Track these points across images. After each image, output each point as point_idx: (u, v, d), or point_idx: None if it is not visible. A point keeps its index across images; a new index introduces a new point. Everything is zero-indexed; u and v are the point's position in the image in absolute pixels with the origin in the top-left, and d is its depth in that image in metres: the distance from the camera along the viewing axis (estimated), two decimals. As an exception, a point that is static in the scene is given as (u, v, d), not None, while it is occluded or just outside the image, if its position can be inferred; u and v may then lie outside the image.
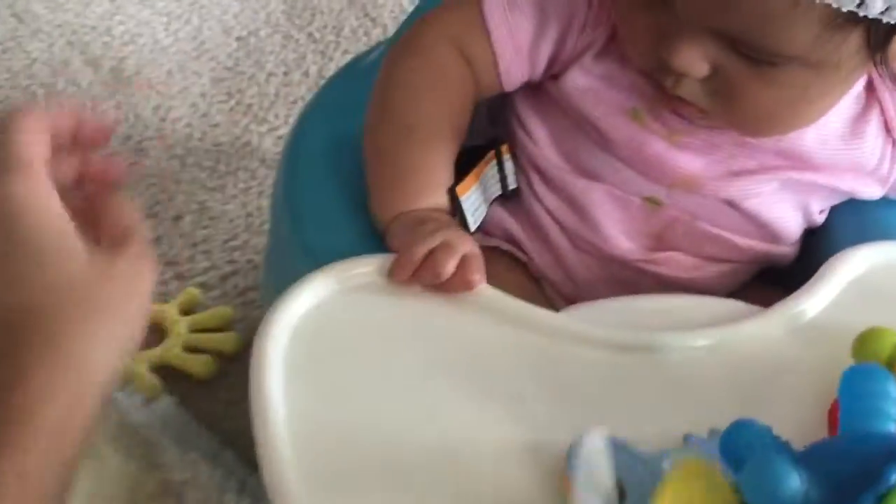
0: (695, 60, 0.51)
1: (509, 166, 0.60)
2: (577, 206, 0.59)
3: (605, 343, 0.50)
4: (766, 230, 0.60)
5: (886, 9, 0.47)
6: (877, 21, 0.47)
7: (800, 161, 0.57)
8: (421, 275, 0.51)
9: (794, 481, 0.35)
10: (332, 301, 0.51)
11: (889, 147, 0.59)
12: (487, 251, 0.55)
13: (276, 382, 0.46)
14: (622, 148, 0.58)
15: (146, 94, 1.05)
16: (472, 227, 0.58)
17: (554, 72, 0.59)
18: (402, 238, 0.54)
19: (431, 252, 0.51)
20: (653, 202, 0.59)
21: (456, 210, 0.57)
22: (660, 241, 0.60)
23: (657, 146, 0.57)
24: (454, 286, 0.51)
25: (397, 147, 0.58)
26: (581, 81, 0.58)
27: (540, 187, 0.61)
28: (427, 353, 0.50)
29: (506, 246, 0.61)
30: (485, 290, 0.52)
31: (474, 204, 0.58)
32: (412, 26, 0.62)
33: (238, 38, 1.16)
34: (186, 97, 1.07)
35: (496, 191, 0.60)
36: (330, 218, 0.59)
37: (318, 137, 0.65)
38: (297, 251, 0.58)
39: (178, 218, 0.94)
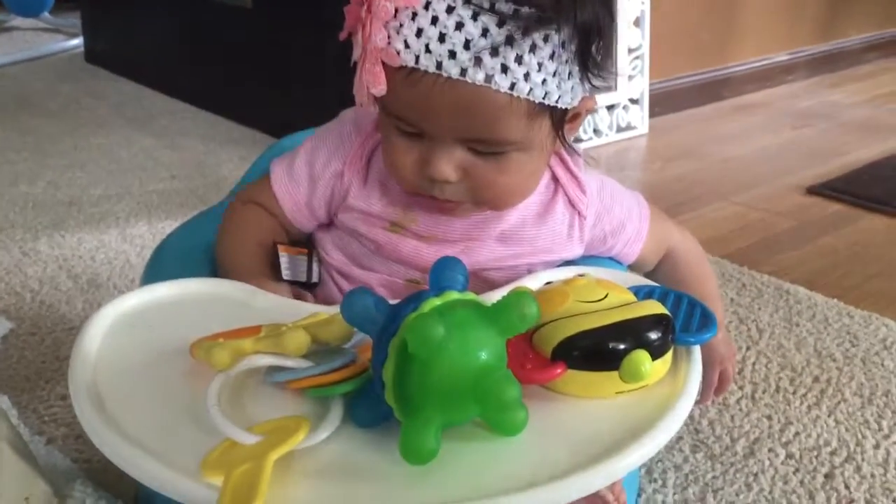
0: (448, 170, 0.72)
1: (315, 267, 0.83)
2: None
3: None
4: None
5: (558, 98, 0.70)
6: (555, 108, 0.71)
7: (512, 243, 0.80)
8: None
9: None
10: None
11: (576, 217, 0.81)
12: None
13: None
14: (385, 249, 0.80)
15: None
16: (284, 276, 0.80)
17: (333, 212, 0.83)
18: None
19: None
20: (414, 282, 0.80)
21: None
22: None
23: (409, 246, 0.80)
24: None
25: (231, 261, 0.83)
26: (351, 214, 0.81)
27: (336, 276, 0.83)
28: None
29: None
30: None
31: (285, 263, 0.82)
32: (235, 197, 0.89)
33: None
34: (141, 293, 1.31)
35: (301, 276, 0.82)
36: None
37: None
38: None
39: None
